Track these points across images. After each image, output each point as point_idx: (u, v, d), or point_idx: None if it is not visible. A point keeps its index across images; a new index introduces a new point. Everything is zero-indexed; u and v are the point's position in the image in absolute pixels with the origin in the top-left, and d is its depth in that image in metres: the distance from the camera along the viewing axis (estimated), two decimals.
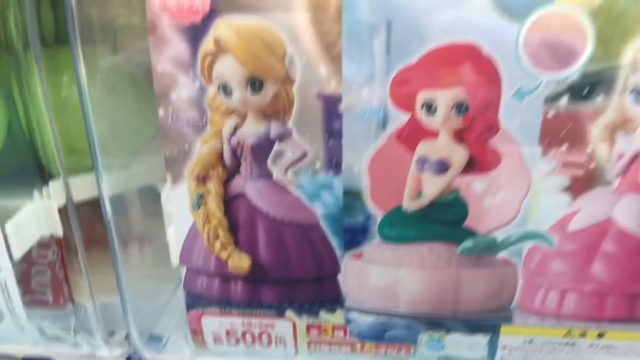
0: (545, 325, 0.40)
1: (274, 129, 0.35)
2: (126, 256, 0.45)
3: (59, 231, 0.44)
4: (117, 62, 0.42)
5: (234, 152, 0.37)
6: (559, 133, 0.34)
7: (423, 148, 0.35)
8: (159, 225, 0.45)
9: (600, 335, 0.40)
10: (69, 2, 0.35)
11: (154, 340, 0.48)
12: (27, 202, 0.42)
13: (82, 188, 0.44)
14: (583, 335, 0.40)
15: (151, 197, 0.46)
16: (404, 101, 0.34)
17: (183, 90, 0.35)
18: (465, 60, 0.32)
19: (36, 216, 0.43)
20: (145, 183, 0.46)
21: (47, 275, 0.48)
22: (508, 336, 0.41)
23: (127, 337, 0.49)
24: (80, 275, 0.47)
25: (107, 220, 0.42)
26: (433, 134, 0.35)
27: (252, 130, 0.36)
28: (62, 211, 0.44)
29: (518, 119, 0.34)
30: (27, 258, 0.46)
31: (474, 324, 0.41)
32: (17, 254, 0.42)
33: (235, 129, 0.36)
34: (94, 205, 0.44)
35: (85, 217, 0.45)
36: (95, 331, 0.48)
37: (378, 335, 0.42)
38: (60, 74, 0.43)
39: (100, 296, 0.48)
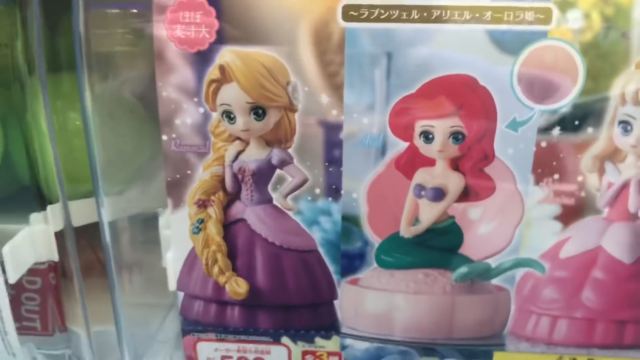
0: (537, 351, 0.40)
1: (276, 155, 0.36)
2: (120, 283, 0.45)
3: (55, 256, 0.44)
4: (117, 88, 0.43)
5: (235, 177, 0.37)
6: (551, 163, 0.35)
7: (420, 175, 0.36)
8: (151, 253, 0.45)
9: None
10: (77, 30, 0.36)
11: None
12: (24, 226, 0.42)
13: (80, 213, 0.44)
14: None
15: (144, 225, 0.47)
16: (403, 130, 0.35)
17: (187, 116, 0.36)
18: (462, 91, 0.34)
19: (32, 240, 0.43)
20: (139, 210, 0.47)
21: (36, 302, 0.47)
22: None
23: None
24: (73, 303, 0.47)
25: (106, 247, 0.42)
26: (430, 162, 0.36)
27: (254, 156, 0.37)
28: (57, 236, 0.44)
29: (512, 149, 0.35)
30: (17, 284, 0.45)
31: (467, 351, 0.41)
32: (13, 278, 0.42)
33: (238, 155, 0.37)
34: (83, 233, 0.45)
35: (76, 246, 0.45)
36: (88, 359, 0.48)
37: None
38: (60, 100, 0.43)
39: (91, 324, 0.48)
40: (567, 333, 0.40)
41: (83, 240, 0.46)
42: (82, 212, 0.44)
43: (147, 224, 0.45)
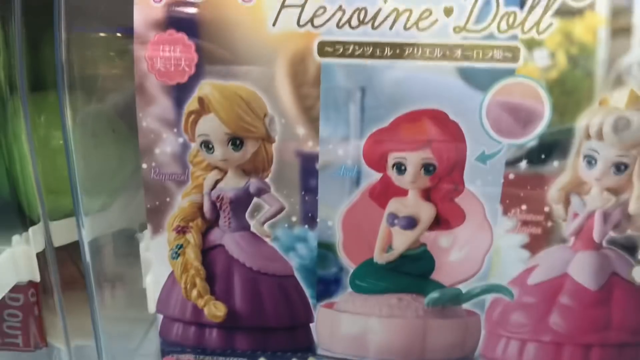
0: None
1: (253, 184, 0.37)
2: (101, 299, 0.46)
3: (36, 276, 0.44)
4: (99, 108, 0.43)
5: (213, 205, 0.38)
6: (519, 194, 0.36)
7: (393, 205, 0.37)
8: (132, 269, 0.46)
9: None
10: (59, 52, 0.36)
11: None
12: (6, 247, 0.43)
13: (62, 233, 0.44)
14: None
15: (124, 241, 0.47)
16: (377, 161, 0.36)
17: (167, 145, 0.37)
18: (433, 125, 0.35)
19: (14, 261, 0.43)
20: (121, 226, 0.47)
21: (18, 319, 0.48)
22: None
23: None
24: (54, 318, 0.47)
25: (86, 264, 0.43)
26: (403, 192, 0.37)
27: (232, 185, 0.38)
28: (39, 256, 0.45)
29: (481, 180, 0.36)
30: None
31: None
32: None
33: (216, 184, 0.38)
34: (65, 248, 0.45)
35: (58, 260, 0.46)
36: None
37: None
38: (43, 119, 0.44)
39: (72, 339, 0.48)
40: (536, 356, 0.41)
41: (64, 254, 0.46)
42: (63, 232, 0.45)
43: (129, 240, 0.45)
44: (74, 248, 0.44)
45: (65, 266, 0.47)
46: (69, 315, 0.47)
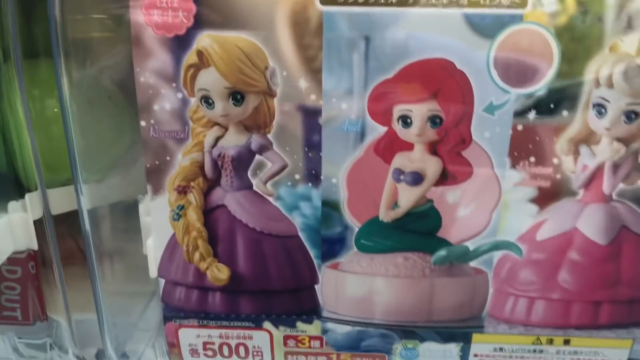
0: (515, 332, 0.41)
1: (255, 141, 0.36)
2: (100, 272, 0.45)
3: (34, 244, 0.43)
4: (95, 75, 0.42)
5: (215, 163, 0.37)
6: (527, 146, 0.35)
7: (399, 160, 0.37)
8: (131, 241, 0.45)
9: (566, 342, 0.41)
10: (52, 14, 0.35)
11: (127, 356, 0.48)
12: (2, 215, 0.42)
13: (59, 201, 0.44)
14: (550, 342, 0.41)
15: (124, 212, 0.46)
16: (381, 114, 0.35)
17: (165, 101, 0.36)
18: (439, 75, 0.34)
19: (11, 229, 0.42)
20: (120, 198, 0.46)
21: (16, 292, 0.47)
22: (479, 344, 0.42)
23: (98, 354, 0.49)
24: (53, 291, 0.46)
25: (86, 235, 0.42)
26: (409, 147, 0.36)
27: (233, 142, 0.37)
28: (36, 225, 0.44)
29: (489, 133, 0.35)
30: None
31: (446, 333, 0.42)
32: None
33: (217, 141, 0.37)
34: (63, 221, 0.44)
35: (57, 235, 0.45)
36: (69, 347, 0.48)
37: (354, 345, 0.43)
38: (37, 88, 0.43)
39: (72, 313, 0.48)
40: (544, 314, 0.40)
41: (63, 229, 0.45)
42: (61, 200, 0.44)
43: (128, 212, 0.45)
44: (72, 222, 0.44)
45: (64, 241, 0.46)
46: (68, 290, 0.46)
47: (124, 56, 0.37)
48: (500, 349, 0.42)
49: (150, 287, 0.49)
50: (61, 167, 0.42)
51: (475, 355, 0.42)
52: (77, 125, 0.39)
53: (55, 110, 0.43)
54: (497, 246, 0.38)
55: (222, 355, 0.44)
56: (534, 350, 0.42)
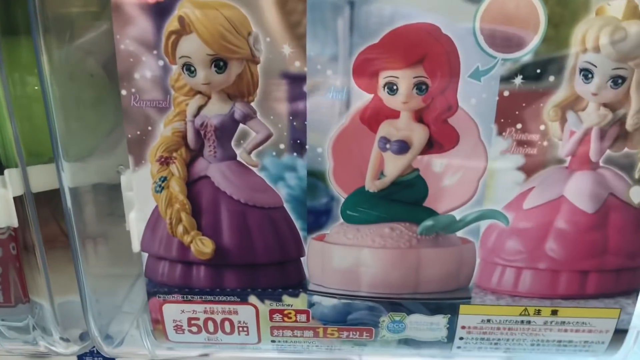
0: (502, 304, 0.41)
1: (238, 109, 0.36)
2: (84, 253, 0.44)
3: (14, 222, 0.42)
4: (76, 51, 0.41)
5: (197, 133, 0.37)
6: (514, 112, 0.35)
7: (385, 128, 0.36)
8: (115, 224, 0.44)
9: (553, 313, 0.41)
10: None
11: (110, 337, 0.47)
12: None
13: (40, 179, 0.43)
14: (538, 313, 0.41)
15: (107, 194, 0.46)
16: (367, 81, 0.35)
17: (146, 69, 0.35)
18: (425, 40, 0.34)
19: None
20: (102, 179, 0.46)
21: None
22: (466, 316, 0.42)
23: (82, 335, 0.49)
24: (35, 273, 0.46)
25: (67, 213, 0.41)
26: (395, 114, 0.36)
27: (216, 110, 0.36)
28: (17, 203, 0.43)
29: (475, 99, 0.35)
30: None
31: (433, 305, 0.41)
32: None
33: (199, 110, 0.36)
34: (45, 203, 0.44)
35: (40, 219, 0.44)
36: (53, 330, 0.47)
37: (341, 318, 0.42)
38: (17, 65, 0.42)
39: (55, 296, 0.47)
40: (531, 284, 0.40)
41: (46, 211, 0.45)
42: (42, 178, 0.43)
43: (112, 193, 0.44)
44: (55, 205, 0.43)
45: (46, 224, 0.45)
46: (51, 273, 0.46)
47: (106, 32, 0.37)
48: (488, 321, 0.42)
49: (134, 270, 0.48)
50: (42, 147, 0.41)
51: (463, 327, 0.42)
52: (58, 102, 0.38)
53: (36, 87, 0.42)
54: (483, 215, 0.38)
55: (207, 330, 0.43)
56: (522, 322, 0.42)
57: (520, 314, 0.41)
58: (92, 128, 0.45)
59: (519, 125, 0.35)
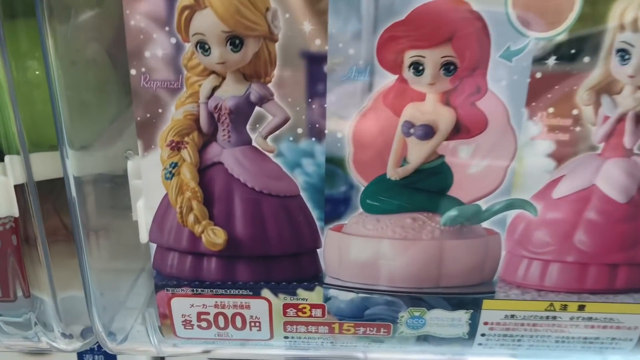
0: (527, 298, 0.39)
1: (255, 90, 0.34)
2: (87, 246, 0.42)
3: (15, 211, 0.40)
4: (79, 34, 0.40)
5: (211, 116, 0.35)
6: (546, 95, 0.33)
7: (409, 111, 0.34)
8: (118, 216, 0.43)
9: (580, 308, 0.39)
10: None
11: (114, 334, 0.46)
12: None
13: (42, 167, 0.41)
14: (564, 308, 0.39)
15: (109, 185, 0.44)
16: (392, 60, 0.33)
17: (158, 47, 0.33)
18: (454, 17, 0.32)
19: None
20: (106, 170, 0.44)
21: None
22: (490, 312, 0.40)
23: (83, 331, 0.47)
24: (36, 267, 0.44)
25: (71, 203, 0.39)
26: (420, 97, 0.34)
27: (231, 92, 0.34)
28: (18, 192, 0.41)
29: (505, 81, 0.33)
30: None
31: (455, 300, 0.40)
32: None
33: (213, 91, 0.34)
34: (47, 195, 0.42)
35: (42, 213, 0.42)
36: (55, 325, 0.45)
37: (358, 314, 0.40)
38: (17, 50, 0.40)
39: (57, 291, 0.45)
40: (559, 278, 0.38)
41: (48, 205, 0.43)
42: (44, 166, 0.41)
43: (114, 185, 0.42)
44: (57, 197, 0.42)
45: (48, 217, 0.43)
46: (53, 267, 0.44)
47: (110, 14, 0.35)
48: (512, 316, 0.40)
49: (138, 264, 0.47)
50: (41, 136, 0.40)
51: (486, 324, 0.40)
52: (61, 87, 0.36)
53: (38, 72, 0.40)
54: (511, 205, 0.36)
55: (217, 326, 0.41)
56: (547, 317, 0.40)
57: (546, 309, 0.40)
58: (95, 115, 0.43)
59: (550, 110, 0.34)
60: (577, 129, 0.34)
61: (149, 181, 0.36)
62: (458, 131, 0.34)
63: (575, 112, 0.34)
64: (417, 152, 0.35)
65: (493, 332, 0.41)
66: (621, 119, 0.34)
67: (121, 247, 0.46)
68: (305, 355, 0.44)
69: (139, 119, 0.35)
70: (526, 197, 0.36)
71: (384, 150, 0.35)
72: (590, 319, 0.40)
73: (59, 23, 0.36)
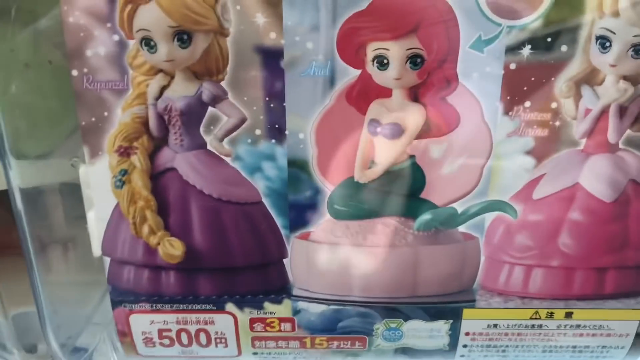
0: (510, 306, 0.37)
1: (207, 90, 0.31)
2: (45, 260, 0.40)
3: None
4: (32, 35, 0.37)
5: (161, 118, 0.32)
6: (522, 88, 0.31)
7: (375, 109, 0.32)
8: (81, 227, 0.40)
9: (568, 315, 0.37)
10: None
11: (79, 351, 0.43)
12: None
13: None
14: (550, 316, 0.37)
15: (73, 194, 0.41)
16: (354, 54, 0.30)
17: (100, 45, 0.30)
18: (419, 5, 0.29)
19: None
20: (68, 178, 0.41)
21: None
22: (471, 321, 0.37)
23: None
24: None
25: (18, 215, 0.37)
26: (386, 93, 0.31)
27: (181, 92, 0.32)
28: None
29: (477, 73, 0.31)
30: None
31: (434, 310, 0.37)
32: None
33: (162, 91, 0.32)
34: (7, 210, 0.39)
35: None
36: (11, 345, 0.43)
37: (330, 327, 0.38)
38: None
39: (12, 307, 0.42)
40: (543, 284, 0.36)
41: (8, 216, 0.40)
42: None
43: (78, 194, 0.40)
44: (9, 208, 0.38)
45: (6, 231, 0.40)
46: (6, 283, 0.42)
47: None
48: (495, 326, 0.37)
49: (105, 276, 0.44)
50: None
51: (467, 334, 0.38)
52: (9, 89, 0.33)
53: None
54: (489, 207, 0.34)
55: (180, 343, 0.39)
56: (532, 326, 0.37)
57: (531, 318, 0.37)
58: (53, 121, 0.41)
59: (527, 103, 0.31)
60: (557, 123, 0.32)
61: (99, 190, 0.34)
62: (428, 129, 0.32)
63: (554, 105, 0.31)
64: (386, 153, 0.33)
65: (475, 343, 0.38)
66: (604, 111, 0.32)
67: (87, 259, 0.43)
68: None
69: (83, 123, 0.32)
70: (505, 198, 0.34)
71: (350, 151, 0.33)
72: (578, 326, 0.37)
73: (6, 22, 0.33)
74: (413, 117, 0.32)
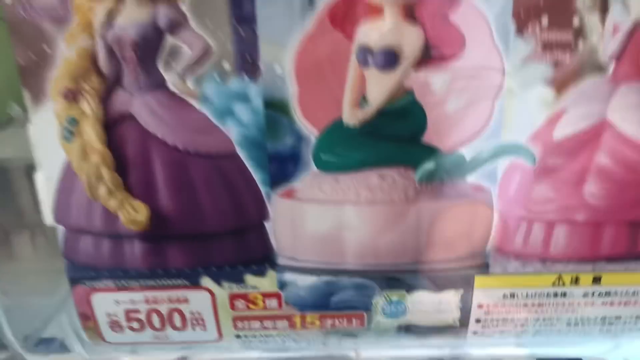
0: (529, 271, 0.32)
1: (163, 13, 0.27)
2: (7, 247, 0.36)
3: None
4: None
5: (111, 52, 0.27)
6: (538, 1, 0.26)
7: (365, 33, 0.27)
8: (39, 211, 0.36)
9: (595, 280, 0.32)
10: None
11: (45, 342, 0.38)
12: None
13: None
14: (575, 281, 0.32)
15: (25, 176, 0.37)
16: None
17: None
18: None
19: None
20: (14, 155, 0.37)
21: None
22: (484, 291, 0.33)
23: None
24: None
25: None
26: (376, 12, 0.27)
27: (133, 19, 0.27)
28: None
29: None
30: None
31: (441, 278, 0.33)
32: None
33: (111, 19, 0.27)
34: None
35: None
36: None
37: (322, 303, 0.33)
38: None
39: None
40: (567, 243, 0.32)
41: None
42: None
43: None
44: None
45: None
46: None
47: None
48: (512, 295, 0.33)
49: None
50: None
51: (480, 307, 0.33)
52: None
53: None
54: (502, 151, 0.29)
55: (151, 326, 0.34)
56: (555, 294, 0.33)
57: (553, 284, 0.32)
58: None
59: (544, 20, 0.26)
60: (580, 44, 0.27)
61: (44, 144, 0.29)
62: (428, 56, 0.27)
63: (576, 21, 0.26)
64: (379, 88, 0.28)
65: (489, 317, 0.34)
66: (636, 27, 0.27)
67: (48, 245, 0.39)
68: (293, 357, 0.37)
69: (21, 62, 0.27)
70: (520, 139, 0.29)
71: (337, 86, 0.28)
72: (608, 294, 0.33)
73: None
74: (410, 41, 0.27)
